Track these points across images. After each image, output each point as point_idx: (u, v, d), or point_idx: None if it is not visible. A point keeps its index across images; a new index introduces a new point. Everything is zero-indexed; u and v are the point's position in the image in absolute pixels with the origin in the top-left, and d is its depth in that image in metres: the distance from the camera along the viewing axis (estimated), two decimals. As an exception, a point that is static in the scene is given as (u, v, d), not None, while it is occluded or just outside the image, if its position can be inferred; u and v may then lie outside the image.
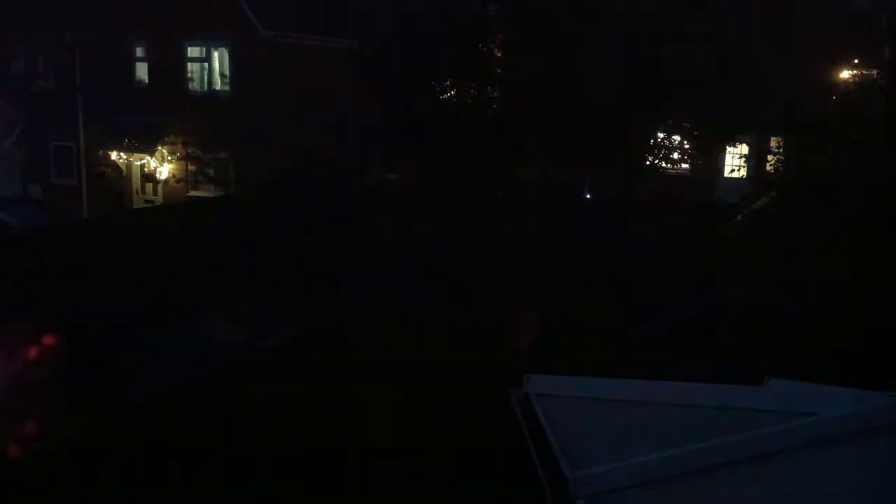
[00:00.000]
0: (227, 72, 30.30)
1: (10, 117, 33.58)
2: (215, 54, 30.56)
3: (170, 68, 30.59)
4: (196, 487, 11.36)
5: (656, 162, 24.08)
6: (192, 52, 30.81)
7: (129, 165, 32.23)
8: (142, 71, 31.80)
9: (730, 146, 29.77)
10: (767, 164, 27.06)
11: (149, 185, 32.15)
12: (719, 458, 5.05)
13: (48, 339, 15.97)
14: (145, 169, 31.92)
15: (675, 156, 24.57)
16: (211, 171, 30.58)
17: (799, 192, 22.46)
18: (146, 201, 32.03)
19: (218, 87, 30.56)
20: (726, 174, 32.02)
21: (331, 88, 27.21)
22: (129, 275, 19.31)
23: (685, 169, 27.21)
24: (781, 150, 26.11)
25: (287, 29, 29.67)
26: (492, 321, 17.18)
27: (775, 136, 26.91)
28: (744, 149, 30.71)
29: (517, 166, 24.59)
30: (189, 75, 30.87)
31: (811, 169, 22.83)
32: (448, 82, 24.81)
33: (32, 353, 15.71)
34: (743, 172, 30.81)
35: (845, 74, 26.90)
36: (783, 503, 4.93)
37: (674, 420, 5.59)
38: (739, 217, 24.88)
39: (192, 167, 31.04)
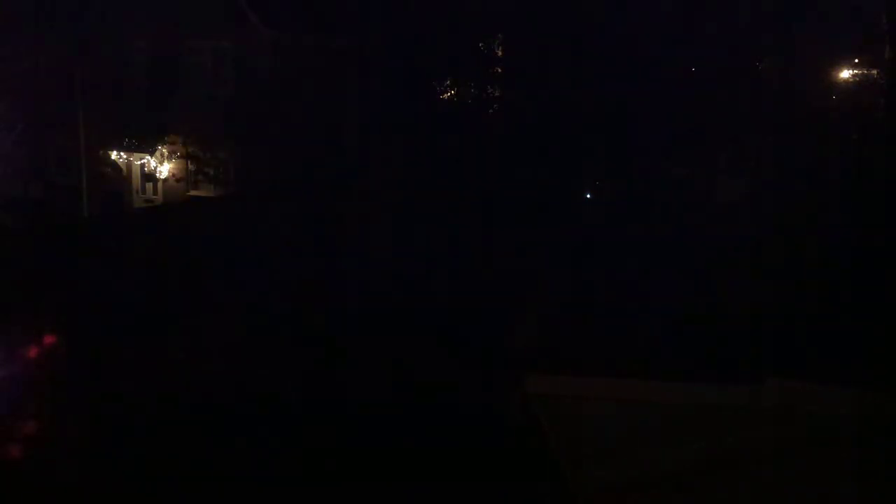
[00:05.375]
0: (227, 71, 30.28)
1: (10, 117, 33.53)
2: (215, 54, 30.54)
3: (170, 68, 30.57)
4: (196, 487, 11.36)
5: (656, 162, 24.10)
6: (193, 51, 30.79)
7: (129, 165, 32.22)
8: (142, 70, 31.75)
9: (729, 146, 29.75)
10: (765, 164, 27.05)
11: (149, 185, 32.13)
12: (719, 458, 5.06)
13: (48, 339, 15.98)
14: (145, 168, 31.91)
15: (674, 156, 24.59)
16: (211, 171, 30.56)
17: (797, 191, 22.48)
18: (146, 201, 32.03)
19: (218, 86, 30.53)
20: (727, 174, 31.97)
21: (331, 88, 27.17)
22: (129, 274, 19.31)
23: (684, 169, 27.18)
24: (781, 150, 26.10)
25: (287, 28, 29.64)
26: (492, 320, 17.18)
27: (775, 136, 26.88)
28: (744, 149, 30.66)
29: (517, 166, 24.60)
30: (189, 75, 30.85)
31: (810, 168, 22.85)
32: (448, 82, 24.82)
33: (32, 353, 15.71)
34: (743, 172, 30.77)
35: (845, 74, 26.89)
36: (783, 503, 4.94)
37: (674, 420, 5.59)
38: (738, 216, 24.88)
39: (192, 167, 31.02)
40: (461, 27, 23.77)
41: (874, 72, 24.69)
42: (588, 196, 27.36)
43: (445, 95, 25.11)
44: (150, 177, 31.81)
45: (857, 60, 26.49)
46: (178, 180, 31.07)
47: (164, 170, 31.44)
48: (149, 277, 19.67)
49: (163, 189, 31.79)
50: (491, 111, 25.14)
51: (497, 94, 25.48)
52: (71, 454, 12.38)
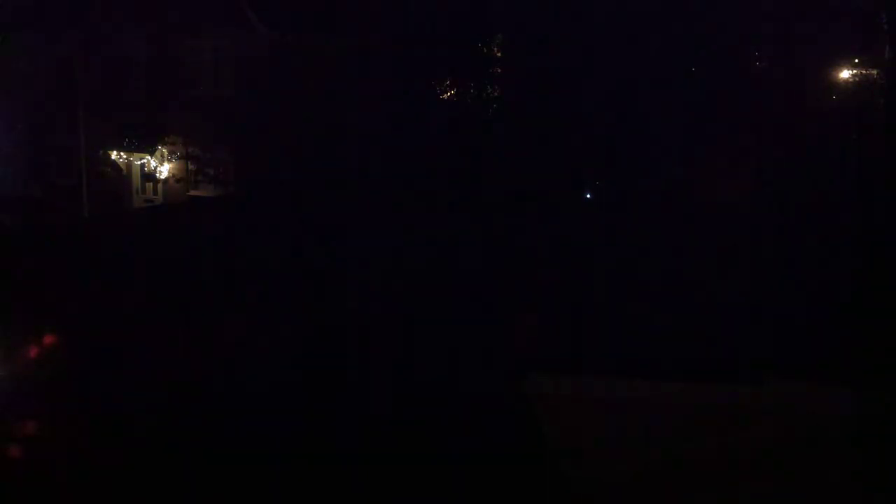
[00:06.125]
0: (227, 71, 30.30)
1: (10, 117, 33.56)
2: (215, 54, 30.55)
3: (170, 68, 30.60)
4: (195, 488, 11.36)
5: (656, 162, 24.13)
6: (193, 51, 30.81)
7: (129, 165, 32.25)
8: (142, 70, 31.78)
9: (729, 146, 29.76)
10: (766, 164, 27.06)
11: (149, 185, 32.16)
12: (719, 458, 5.06)
13: (48, 339, 15.98)
14: (145, 168, 31.94)
15: (674, 156, 24.61)
16: (211, 171, 30.58)
17: (797, 191, 22.48)
18: (146, 201, 32.05)
19: (218, 86, 30.56)
20: (727, 174, 31.95)
21: (331, 88, 27.19)
22: (129, 274, 19.32)
23: (684, 169, 27.19)
24: (781, 150, 26.11)
25: (287, 28, 29.67)
26: (492, 321, 17.17)
27: (775, 136, 26.91)
28: (744, 149, 30.65)
29: (517, 166, 24.63)
30: (189, 75, 30.88)
31: (811, 168, 22.86)
32: (448, 82, 24.85)
33: (32, 353, 15.72)
34: (743, 172, 30.76)
35: (845, 74, 26.90)
36: (783, 503, 4.94)
37: (674, 420, 5.59)
38: (738, 216, 24.87)
39: (192, 166, 31.05)
40: (461, 27, 23.79)
41: (874, 72, 24.70)
42: (588, 196, 27.38)
43: (445, 95, 25.14)
44: (150, 177, 31.83)
45: (857, 60, 26.50)
46: (178, 180, 31.08)
47: (164, 170, 31.46)
48: (149, 277, 19.67)
49: (163, 189, 31.82)
50: (491, 111, 25.16)
51: (497, 94, 25.50)
52: (71, 454, 12.38)
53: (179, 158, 31.14)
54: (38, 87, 33.03)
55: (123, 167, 32.19)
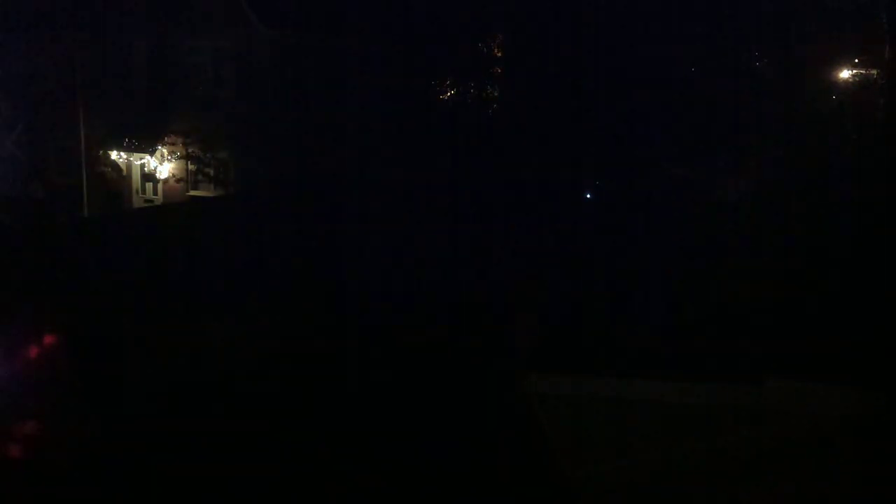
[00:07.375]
0: (227, 71, 30.30)
1: (10, 117, 33.55)
2: (215, 54, 30.55)
3: (170, 68, 30.60)
4: (196, 487, 11.36)
5: (656, 162, 24.15)
6: (193, 51, 30.80)
7: (129, 165, 32.24)
8: (142, 71, 31.77)
9: (729, 146, 29.77)
10: (766, 164, 27.08)
11: (149, 185, 32.16)
12: (719, 458, 5.06)
13: (48, 339, 15.98)
14: (145, 168, 31.94)
15: (674, 156, 24.63)
16: (211, 171, 30.57)
17: (797, 191, 22.48)
18: (146, 201, 32.05)
19: (218, 86, 30.55)
20: (727, 174, 31.95)
21: (331, 88, 27.18)
22: (129, 274, 19.33)
23: (684, 169, 27.21)
24: (781, 150, 26.12)
25: (287, 28, 29.68)
26: (492, 320, 17.17)
27: (775, 136, 26.92)
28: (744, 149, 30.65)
29: (517, 166, 24.63)
30: (189, 75, 30.87)
31: (810, 168, 22.86)
32: (448, 82, 24.87)
33: (32, 352, 15.72)
34: (743, 172, 30.76)
35: (845, 74, 26.90)
36: (783, 502, 4.94)
37: (673, 420, 5.59)
38: (738, 216, 24.86)
39: (192, 167, 31.04)
40: (461, 27, 23.81)
41: (874, 72, 24.71)
42: (588, 196, 27.37)
43: (445, 95, 25.17)
44: (150, 177, 31.84)
45: (857, 60, 26.49)
46: (178, 180, 31.08)
47: (164, 170, 31.45)
48: (148, 277, 19.67)
49: (163, 189, 31.81)
50: (491, 111, 25.20)
51: (497, 94, 25.54)
52: (70, 455, 12.38)
53: (179, 158, 31.13)
54: (38, 87, 33.01)
55: (123, 167, 32.18)
